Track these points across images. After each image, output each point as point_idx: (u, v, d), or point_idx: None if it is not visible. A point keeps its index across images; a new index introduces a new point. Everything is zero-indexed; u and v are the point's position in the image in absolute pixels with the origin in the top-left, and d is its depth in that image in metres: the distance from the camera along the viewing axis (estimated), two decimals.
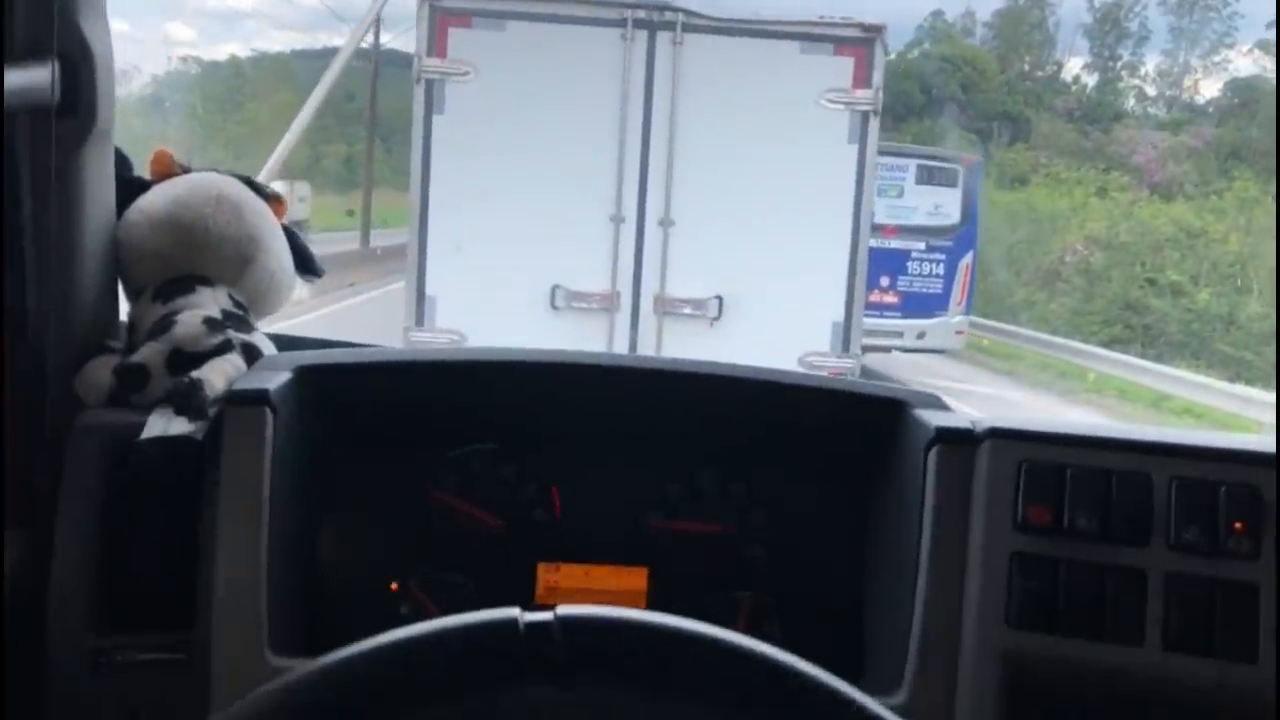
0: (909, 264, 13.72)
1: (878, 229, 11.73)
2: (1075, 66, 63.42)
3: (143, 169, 1.40)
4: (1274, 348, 17.37)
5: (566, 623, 0.68)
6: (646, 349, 7.26)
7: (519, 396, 1.36)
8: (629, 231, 7.26)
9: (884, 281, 13.08)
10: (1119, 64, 63.27)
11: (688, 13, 7.05)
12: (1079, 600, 1.11)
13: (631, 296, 7.31)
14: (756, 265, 7.11)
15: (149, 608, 1.16)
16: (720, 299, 7.24)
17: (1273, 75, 50.01)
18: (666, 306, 7.29)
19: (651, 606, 1.21)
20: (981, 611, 1.13)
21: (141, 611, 1.16)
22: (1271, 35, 50.82)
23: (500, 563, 1.33)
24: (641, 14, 7.07)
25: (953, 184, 14.07)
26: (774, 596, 1.33)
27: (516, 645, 0.68)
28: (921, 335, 13.78)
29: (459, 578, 1.32)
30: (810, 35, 7.21)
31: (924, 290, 13.82)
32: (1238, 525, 1.11)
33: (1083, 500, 1.13)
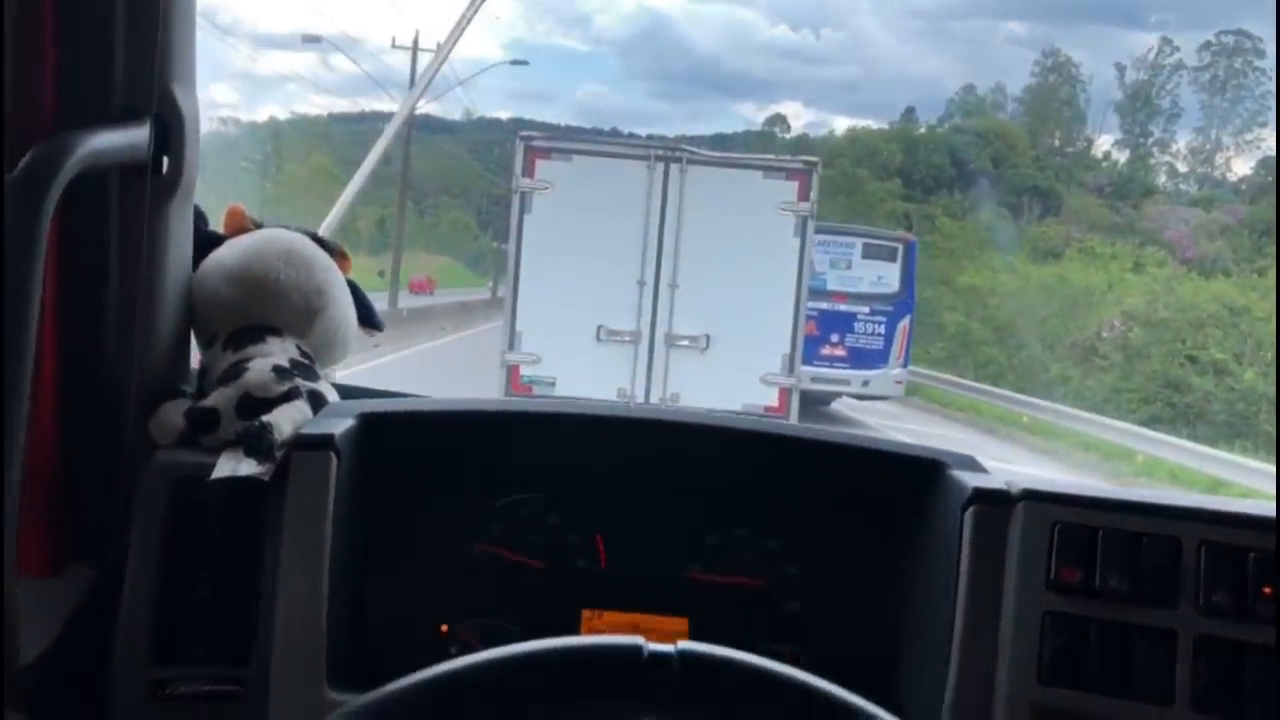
0: (855, 324, 16.85)
1: (830, 295, 15.31)
2: (1106, 143, 63.65)
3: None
4: None
5: (687, 657, 0.74)
6: (658, 367, 10.74)
7: (566, 448, 1.41)
8: (649, 291, 10.74)
9: (834, 338, 16.40)
10: (1150, 140, 63.52)
11: (690, 152, 11.01)
12: (1109, 659, 1.14)
13: (649, 333, 10.76)
14: (733, 314, 10.58)
15: (209, 641, 1.20)
16: (709, 336, 10.68)
17: None
18: (672, 340, 10.75)
19: None
20: (1014, 667, 1.16)
21: (201, 644, 1.20)
22: None
23: (545, 608, 1.37)
24: (660, 152, 10.89)
25: (893, 259, 17.27)
26: (812, 648, 1.36)
27: (638, 670, 0.73)
28: (866, 384, 16.97)
29: (505, 622, 1.36)
30: (770, 167, 11.05)
31: (868, 346, 16.91)
32: (1266, 590, 1.13)
33: (1114, 562, 1.16)
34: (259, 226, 1.45)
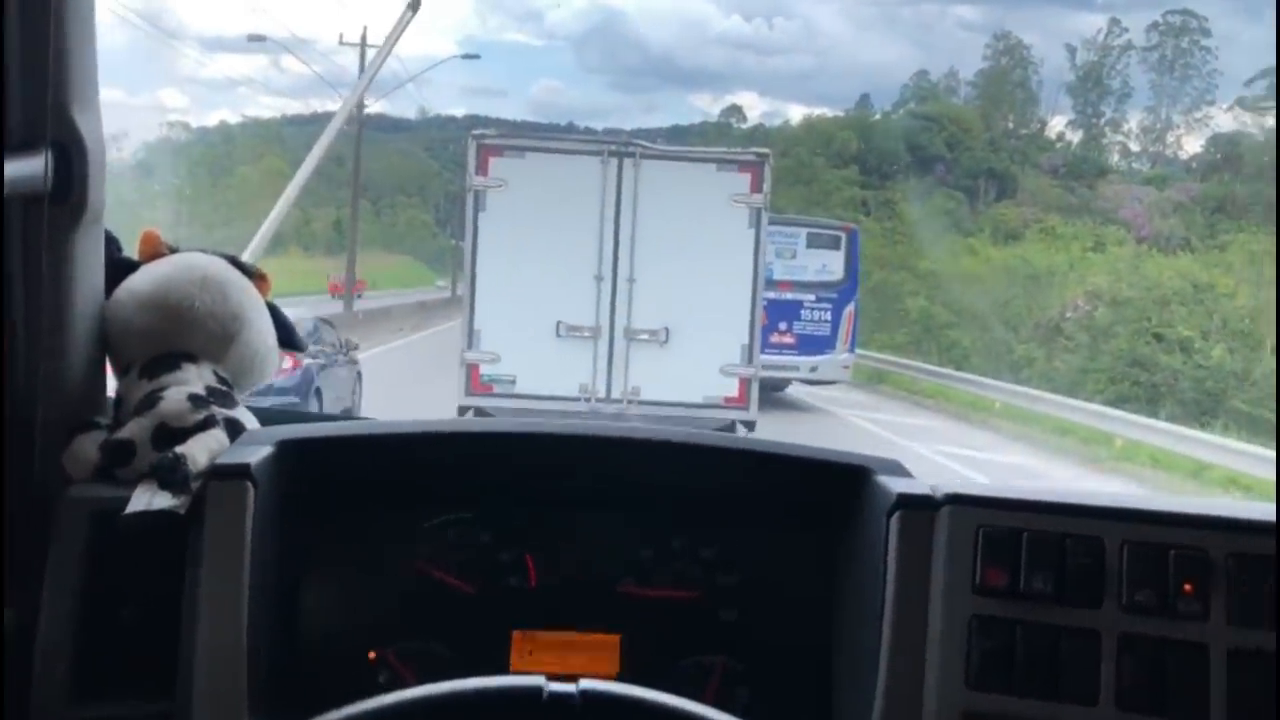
0: (802, 312, 17.59)
1: (776, 284, 15.33)
2: (1059, 124, 64.23)
3: (132, 246, 1.42)
4: None
5: (588, 696, 0.74)
6: (619, 362, 10.86)
7: (493, 467, 1.39)
8: (607, 286, 10.89)
9: (782, 326, 16.84)
10: (1102, 121, 64.19)
11: (643, 147, 11.06)
12: (1036, 661, 1.15)
13: (609, 328, 10.91)
14: (691, 307, 10.71)
15: (131, 678, 1.18)
16: (667, 329, 10.84)
17: (1254, 131, 50.45)
18: (631, 334, 10.92)
19: (624, 673, 1.30)
20: (943, 673, 1.16)
21: (123, 682, 1.18)
22: (1250, 92, 51.46)
23: (476, 631, 1.35)
24: (613, 147, 11.03)
25: (836, 247, 18.14)
26: (745, 659, 1.36)
27: (539, 711, 0.73)
28: (814, 369, 17.67)
29: (436, 646, 1.34)
30: (723, 159, 11.27)
31: (815, 333, 17.67)
32: (1187, 587, 1.14)
33: (1038, 564, 1.17)
34: (174, 251, 1.43)
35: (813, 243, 17.88)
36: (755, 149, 11.84)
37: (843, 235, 18.54)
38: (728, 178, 10.88)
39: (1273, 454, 12.91)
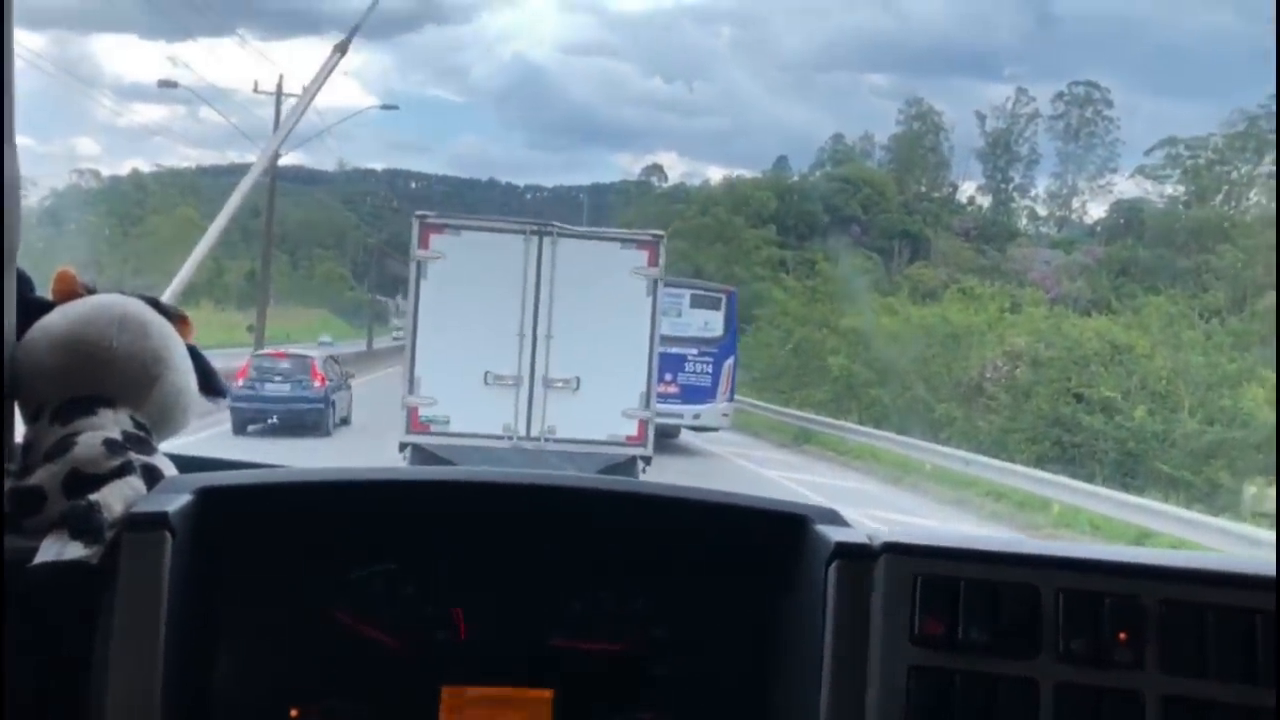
0: (686, 364, 19.51)
1: (663, 339, 16.54)
2: (970, 188, 66.25)
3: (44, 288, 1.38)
4: (1212, 467, 17.20)
5: None
6: (537, 405, 12.89)
7: (420, 516, 1.35)
8: (528, 342, 12.95)
9: (668, 377, 17.96)
10: (1011, 186, 66.37)
11: (560, 227, 13.34)
12: (974, 712, 1.13)
13: (529, 377, 12.94)
14: (598, 359, 12.77)
15: None
16: (578, 378, 12.88)
17: (1155, 199, 52.37)
18: (548, 382, 12.95)
19: None
20: None
21: None
22: (1150, 160, 53.56)
23: (404, 686, 1.30)
24: (534, 228, 13.34)
25: (717, 307, 20.36)
26: (680, 712, 1.33)
27: None
28: (697, 416, 19.64)
29: (361, 705, 1.29)
30: (624, 239, 13.68)
31: (697, 384, 19.66)
32: (1121, 635, 1.14)
33: (975, 613, 1.16)
34: (91, 291, 1.38)
35: (696, 303, 20.04)
36: (651, 231, 14.26)
37: (723, 296, 20.90)
38: (629, 254, 13.03)
39: (1219, 522, 12.81)
